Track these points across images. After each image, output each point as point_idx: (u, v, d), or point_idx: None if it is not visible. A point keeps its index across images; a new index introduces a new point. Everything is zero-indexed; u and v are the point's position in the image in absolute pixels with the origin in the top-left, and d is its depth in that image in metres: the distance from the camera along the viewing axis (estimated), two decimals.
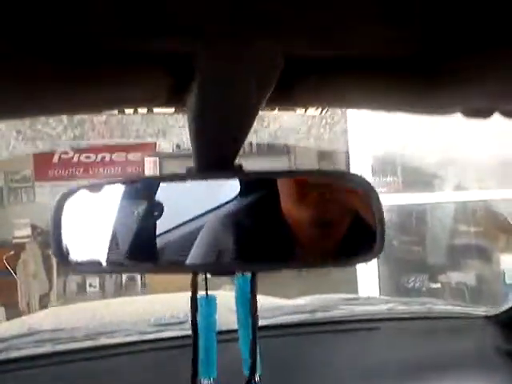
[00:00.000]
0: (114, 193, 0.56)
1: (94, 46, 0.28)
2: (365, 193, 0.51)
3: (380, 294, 3.45)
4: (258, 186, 0.54)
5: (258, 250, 0.53)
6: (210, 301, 0.59)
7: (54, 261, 6.07)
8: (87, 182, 0.59)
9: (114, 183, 0.57)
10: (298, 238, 0.53)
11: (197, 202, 0.55)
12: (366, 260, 0.52)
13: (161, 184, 0.57)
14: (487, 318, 1.39)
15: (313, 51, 0.31)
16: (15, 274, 5.74)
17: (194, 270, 0.56)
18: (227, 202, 0.54)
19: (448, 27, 0.28)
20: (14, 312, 5.50)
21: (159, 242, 0.55)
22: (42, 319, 1.70)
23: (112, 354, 1.26)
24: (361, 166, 3.81)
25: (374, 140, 3.67)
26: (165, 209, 0.55)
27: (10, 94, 0.31)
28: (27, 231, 6.18)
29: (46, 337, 1.31)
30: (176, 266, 0.56)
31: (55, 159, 6.27)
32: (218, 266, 0.55)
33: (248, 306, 0.58)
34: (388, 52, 0.32)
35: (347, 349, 1.30)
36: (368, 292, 3.55)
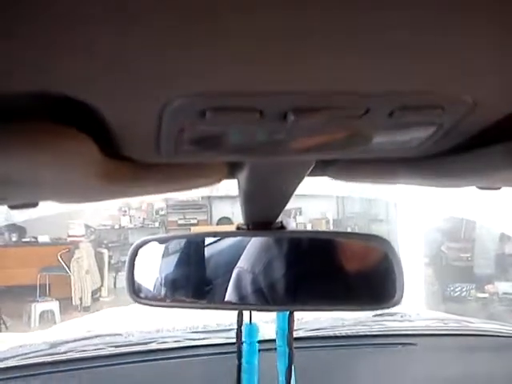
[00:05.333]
0: (177, 245, 0.67)
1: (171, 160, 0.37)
2: (387, 252, 0.60)
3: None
4: (294, 242, 0.64)
5: (296, 292, 0.63)
6: (253, 328, 0.69)
7: (105, 258, 6.35)
8: (158, 235, 0.70)
9: (178, 238, 0.68)
10: (332, 284, 0.61)
11: (243, 252, 0.65)
12: (390, 305, 0.60)
13: (214, 239, 0.68)
14: None
15: (341, 156, 0.39)
16: (69, 270, 6.03)
17: (239, 309, 0.67)
18: (271, 251, 0.64)
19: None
20: (67, 305, 5.80)
21: (212, 283, 0.65)
22: (98, 321, 1.83)
23: (162, 358, 1.35)
24: None
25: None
26: (214, 256, 0.66)
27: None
28: (81, 230, 6.48)
29: (105, 340, 1.42)
30: (224, 304, 0.66)
31: None
32: (261, 305, 0.64)
33: (286, 338, 0.67)
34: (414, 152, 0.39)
35: (383, 363, 1.35)
36: (412, 299, 3.55)
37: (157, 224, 6.65)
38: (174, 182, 0.44)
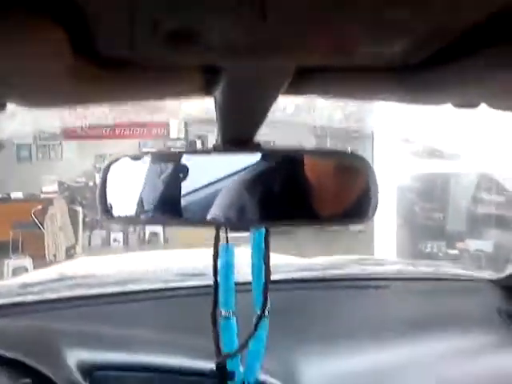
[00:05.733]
0: (150, 161, 0.65)
1: (142, 61, 0.36)
2: (365, 169, 0.60)
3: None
4: (273, 158, 0.63)
5: (271, 209, 0.62)
6: (230, 249, 0.68)
7: (79, 215, 6.29)
8: (130, 152, 0.67)
9: (152, 154, 0.66)
10: (305, 201, 0.61)
11: (219, 170, 0.64)
12: (362, 222, 0.61)
13: (189, 155, 0.67)
14: (491, 281, 1.45)
15: (322, 63, 0.38)
16: (43, 227, 5.97)
17: (216, 225, 0.66)
18: (246, 169, 0.63)
19: (443, 37, 0.34)
20: (41, 262, 5.76)
21: (186, 200, 0.64)
22: (73, 267, 1.82)
23: (138, 299, 1.35)
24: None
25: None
26: (190, 173, 0.64)
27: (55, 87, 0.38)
28: (54, 187, 6.39)
29: (78, 282, 1.41)
30: (200, 221, 0.65)
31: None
32: (236, 222, 0.63)
33: (262, 257, 0.67)
34: (389, 61, 0.38)
35: (356, 305, 1.38)
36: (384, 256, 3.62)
37: None
38: (146, 87, 0.42)
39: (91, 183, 6.59)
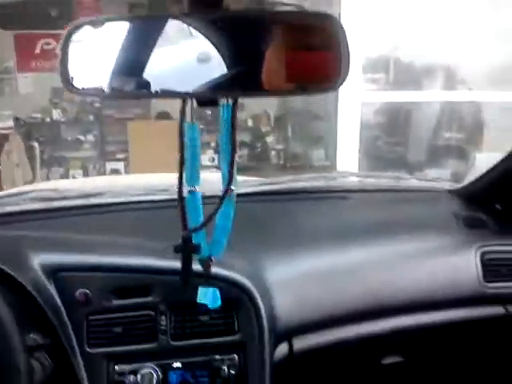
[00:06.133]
0: (114, 28, 0.61)
1: None
2: (334, 30, 0.58)
3: None
4: (238, 22, 0.60)
5: (237, 79, 0.60)
6: (194, 126, 0.67)
7: (36, 152, 6.11)
8: (91, 18, 0.63)
9: (114, 20, 0.62)
10: (273, 67, 0.59)
11: (188, 37, 0.61)
12: (333, 88, 0.59)
13: (154, 20, 0.63)
14: (450, 191, 1.50)
15: None
16: None
17: (183, 97, 0.63)
18: (212, 33, 0.60)
19: None
20: None
21: (152, 71, 0.61)
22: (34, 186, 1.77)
23: (102, 212, 1.34)
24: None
25: (366, 40, 3.65)
26: (156, 40, 0.61)
27: None
28: (10, 123, 6.14)
29: (40, 195, 1.38)
30: (166, 92, 0.63)
31: (37, 50, 6.09)
32: (204, 92, 0.61)
33: (230, 131, 0.66)
34: None
35: (319, 214, 1.40)
36: None
37: (91, 118, 6.37)
38: None
39: (48, 119, 6.36)
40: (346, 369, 1.26)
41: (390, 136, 4.96)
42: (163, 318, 1.01)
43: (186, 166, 0.67)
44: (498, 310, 1.26)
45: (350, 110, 4.08)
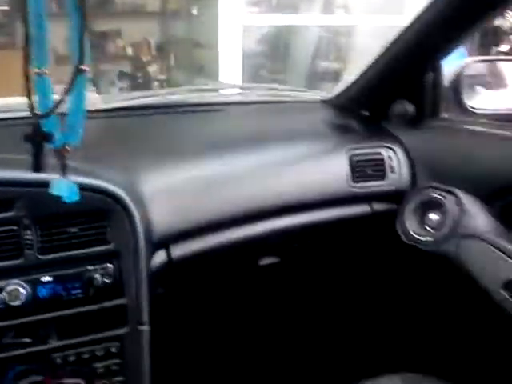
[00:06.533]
0: None
1: None
2: None
3: None
4: None
5: None
6: None
7: None
8: None
9: None
10: None
11: None
12: None
13: None
14: (323, 101, 1.55)
15: None
16: None
17: None
18: None
19: None
20: None
21: None
22: None
23: None
24: None
25: None
26: None
27: None
28: None
29: None
30: None
31: None
32: None
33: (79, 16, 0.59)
34: None
35: (196, 127, 1.38)
36: None
37: None
38: None
39: None
40: (225, 272, 1.30)
41: (272, 63, 5.00)
42: (28, 232, 0.95)
43: (33, 42, 0.60)
44: (364, 208, 1.35)
45: (231, 35, 4.00)
